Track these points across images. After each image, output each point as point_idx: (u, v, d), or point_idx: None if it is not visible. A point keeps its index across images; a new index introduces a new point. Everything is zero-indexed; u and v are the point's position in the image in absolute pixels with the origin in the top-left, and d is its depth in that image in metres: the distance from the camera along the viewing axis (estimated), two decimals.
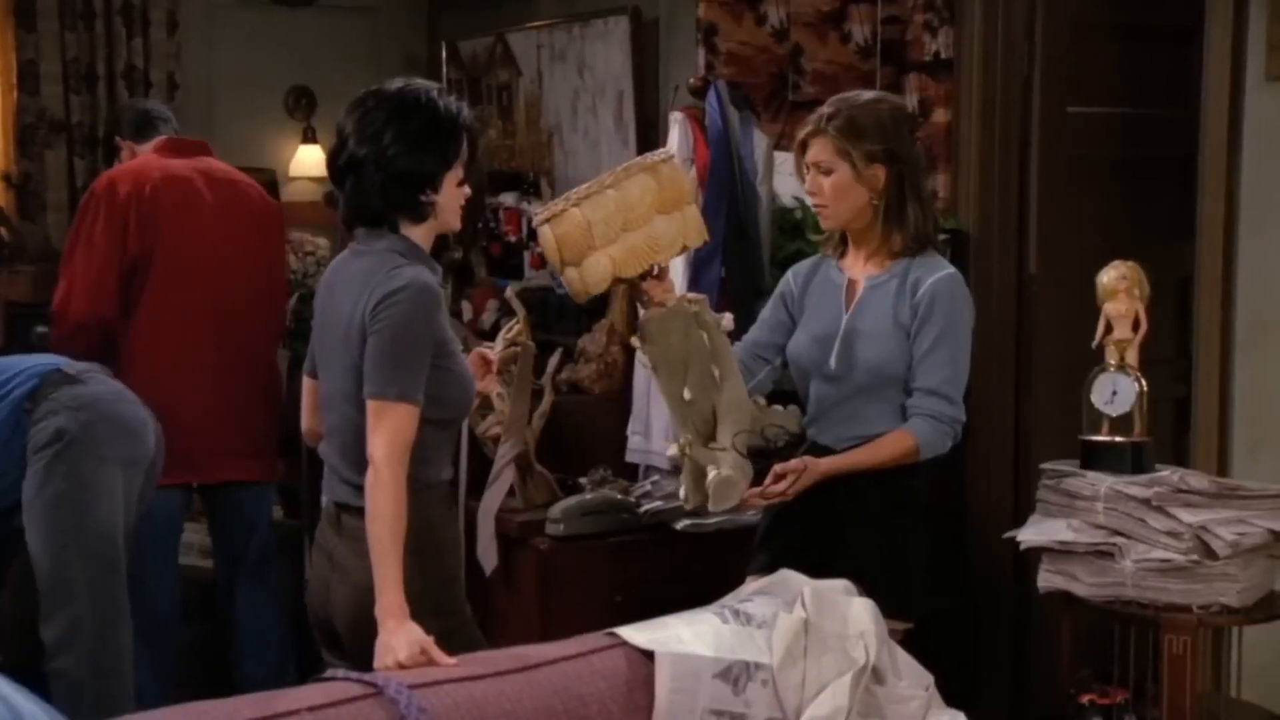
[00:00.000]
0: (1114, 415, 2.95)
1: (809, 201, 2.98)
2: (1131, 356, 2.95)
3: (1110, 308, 2.95)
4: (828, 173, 2.85)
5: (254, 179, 5.61)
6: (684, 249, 2.83)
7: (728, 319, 2.74)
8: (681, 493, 2.79)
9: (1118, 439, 2.96)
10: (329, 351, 2.61)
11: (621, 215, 2.64)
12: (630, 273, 2.69)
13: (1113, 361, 2.96)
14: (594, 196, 2.63)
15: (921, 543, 2.90)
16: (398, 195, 2.54)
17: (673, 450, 2.78)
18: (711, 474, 2.70)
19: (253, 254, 3.92)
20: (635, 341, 2.73)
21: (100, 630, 3.08)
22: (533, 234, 5.05)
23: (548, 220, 2.65)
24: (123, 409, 3.19)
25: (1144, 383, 2.95)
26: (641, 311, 2.74)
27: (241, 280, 3.86)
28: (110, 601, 3.11)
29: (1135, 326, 2.97)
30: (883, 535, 2.84)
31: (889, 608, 2.72)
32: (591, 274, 2.64)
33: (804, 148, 2.90)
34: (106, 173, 3.81)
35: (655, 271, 2.73)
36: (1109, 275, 2.96)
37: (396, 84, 2.60)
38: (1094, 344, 2.99)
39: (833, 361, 2.85)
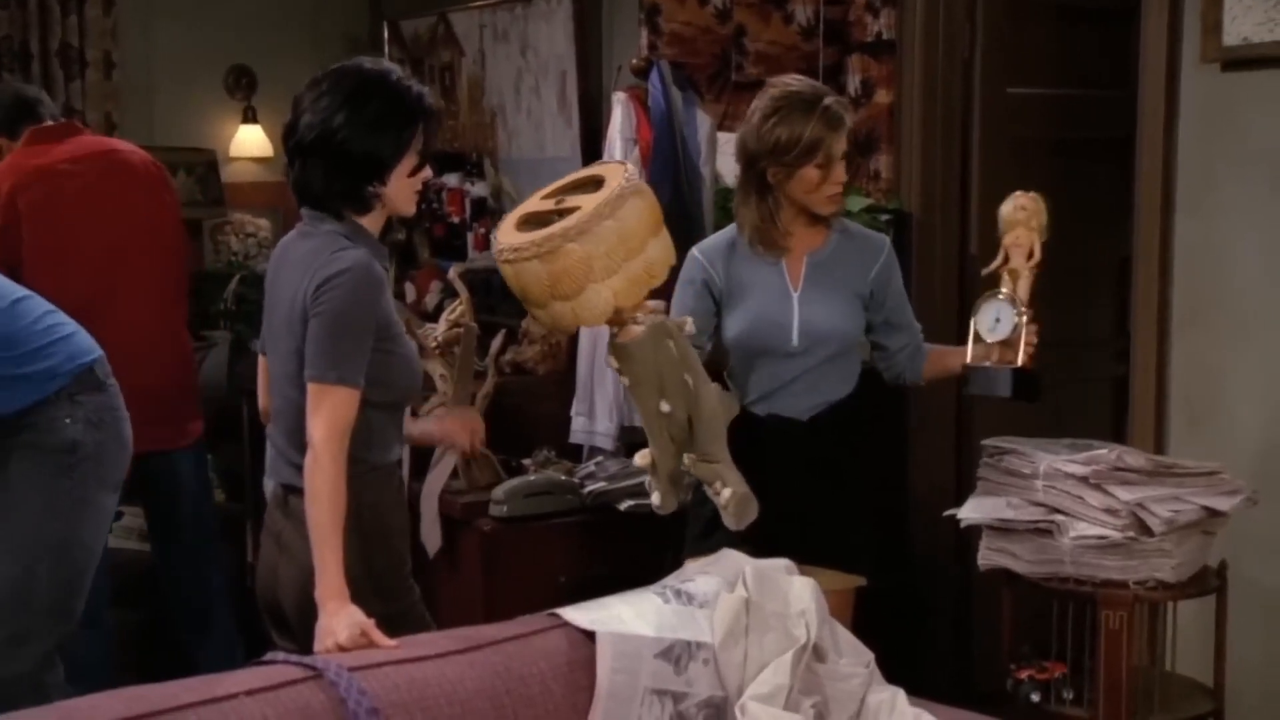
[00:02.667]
0: (991, 341, 2.90)
1: (829, 194, 2.96)
2: (1023, 288, 2.91)
3: (1007, 238, 2.93)
4: (846, 159, 2.96)
5: (193, 159, 5.55)
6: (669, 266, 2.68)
7: (690, 323, 2.70)
8: (656, 499, 2.69)
9: (993, 363, 2.91)
10: (275, 334, 2.59)
11: (623, 246, 2.48)
12: (630, 302, 2.55)
13: (1004, 290, 2.92)
14: (592, 230, 2.45)
15: (869, 501, 3.02)
16: (342, 184, 2.50)
17: (642, 460, 2.69)
18: (726, 492, 2.63)
19: (140, 218, 3.82)
20: (612, 363, 2.63)
21: (49, 651, 2.91)
22: (476, 214, 5.04)
23: (536, 256, 2.45)
24: (125, 427, 3.05)
25: (1026, 314, 2.88)
26: (614, 331, 2.61)
27: (131, 249, 3.77)
28: (67, 621, 2.94)
29: (1032, 258, 2.93)
30: (847, 492, 2.97)
31: (853, 563, 2.81)
32: (589, 308, 2.48)
33: (825, 145, 2.91)
34: None
35: None
36: (1007, 206, 2.96)
37: (359, 64, 2.54)
38: (985, 272, 2.96)
39: (795, 339, 2.92)
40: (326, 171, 2.49)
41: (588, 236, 2.44)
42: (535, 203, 2.63)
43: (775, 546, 2.60)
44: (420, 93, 2.54)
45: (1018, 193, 2.93)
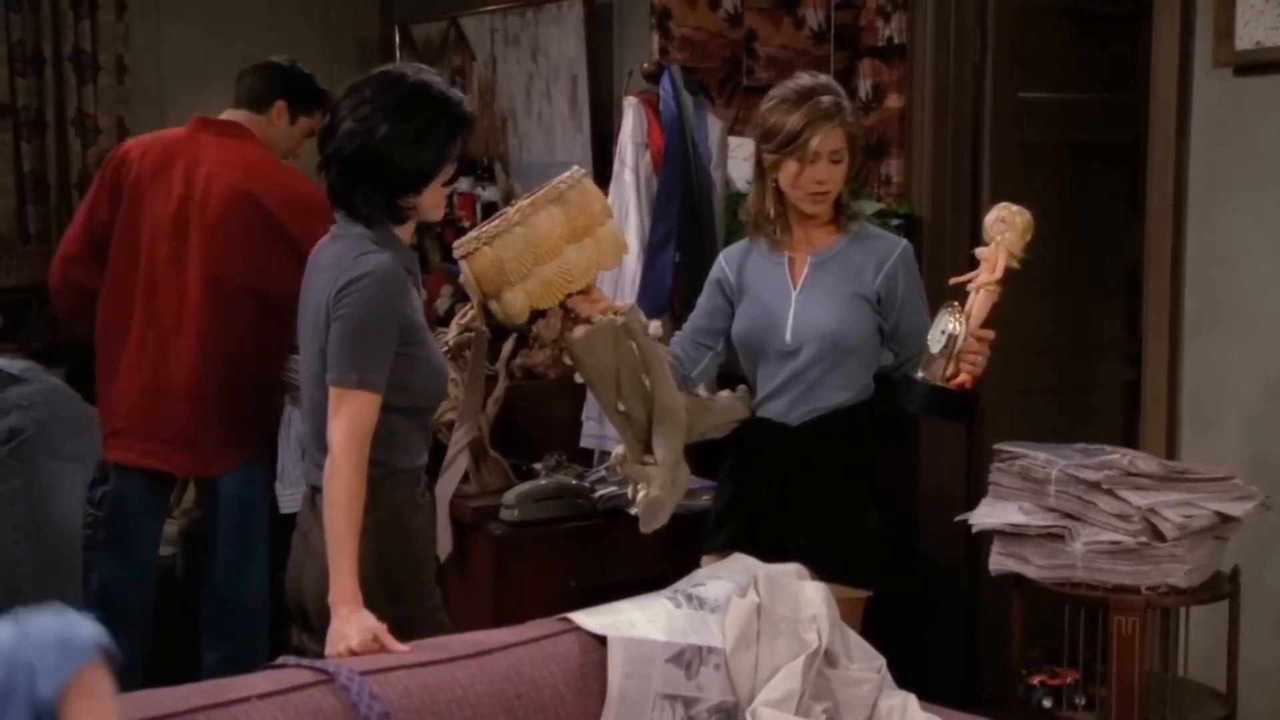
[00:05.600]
0: (934, 352, 2.69)
1: (808, 190, 2.86)
2: (978, 304, 2.69)
3: (981, 250, 2.74)
4: (839, 161, 2.88)
5: None
6: (600, 271, 2.78)
7: (655, 326, 2.75)
8: (632, 496, 2.83)
9: (926, 375, 2.69)
10: (304, 336, 2.60)
11: (531, 252, 2.62)
12: (546, 304, 2.70)
13: (958, 303, 2.71)
14: (503, 234, 2.61)
15: (875, 512, 2.96)
16: (381, 196, 2.49)
17: (611, 460, 2.82)
18: (640, 494, 2.74)
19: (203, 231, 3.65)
20: (568, 360, 2.74)
21: None
22: (487, 218, 5.04)
23: (465, 256, 2.64)
24: (71, 406, 3.02)
25: (963, 330, 2.66)
26: (572, 329, 2.72)
27: (193, 253, 3.64)
28: (58, 600, 2.98)
29: (995, 272, 2.70)
30: (838, 505, 2.90)
31: (848, 577, 2.78)
32: (510, 307, 2.65)
33: (803, 138, 2.83)
34: None
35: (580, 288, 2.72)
36: (990, 216, 2.75)
37: (402, 73, 2.52)
38: (952, 281, 2.78)
39: (788, 336, 2.89)
40: (365, 183, 2.48)
41: (499, 241, 2.62)
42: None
43: (755, 552, 2.61)
44: (460, 102, 2.53)
45: (1003, 204, 2.75)
